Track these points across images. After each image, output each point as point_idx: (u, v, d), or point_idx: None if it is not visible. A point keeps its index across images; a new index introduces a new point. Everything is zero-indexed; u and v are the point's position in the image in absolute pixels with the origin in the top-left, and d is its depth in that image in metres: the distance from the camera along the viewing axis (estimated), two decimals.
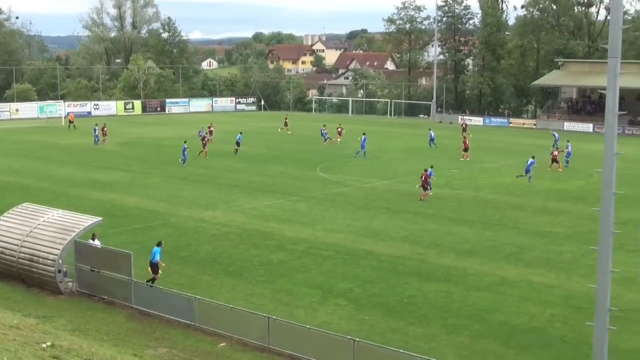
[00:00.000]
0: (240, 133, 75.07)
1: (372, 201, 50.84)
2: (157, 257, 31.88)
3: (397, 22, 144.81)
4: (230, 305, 28.40)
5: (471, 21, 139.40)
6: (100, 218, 34.31)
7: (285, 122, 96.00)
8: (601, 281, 15.30)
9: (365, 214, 47.24)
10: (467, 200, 52.01)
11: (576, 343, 26.27)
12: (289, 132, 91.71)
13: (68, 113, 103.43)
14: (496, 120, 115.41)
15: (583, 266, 35.31)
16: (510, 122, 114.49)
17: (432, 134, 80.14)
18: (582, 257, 36.76)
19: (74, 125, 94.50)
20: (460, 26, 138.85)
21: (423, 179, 51.14)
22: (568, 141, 70.06)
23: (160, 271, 32.02)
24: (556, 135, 79.80)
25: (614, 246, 16.77)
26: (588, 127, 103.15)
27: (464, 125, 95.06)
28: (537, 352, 26.02)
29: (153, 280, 31.50)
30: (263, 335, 26.41)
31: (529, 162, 58.56)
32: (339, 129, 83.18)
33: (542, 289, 32.92)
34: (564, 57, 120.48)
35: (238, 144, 73.05)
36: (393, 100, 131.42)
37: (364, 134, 72.44)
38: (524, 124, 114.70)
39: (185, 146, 66.33)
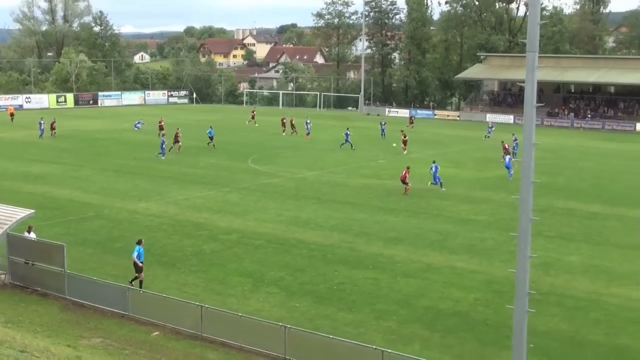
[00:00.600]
0: (211, 127, 73.81)
1: (302, 191, 50.89)
2: (135, 256, 30.36)
3: (326, 16, 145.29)
4: (164, 295, 28.15)
5: (397, 16, 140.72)
6: (32, 210, 33.59)
7: (253, 115, 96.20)
8: (521, 266, 15.56)
9: (296, 204, 47.26)
10: (394, 189, 52.36)
11: (498, 325, 26.71)
12: (256, 125, 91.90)
13: (7, 107, 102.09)
14: (422, 112, 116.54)
15: (504, 252, 35.90)
16: (435, 114, 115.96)
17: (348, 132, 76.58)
18: (503, 244, 37.36)
19: (11, 119, 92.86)
20: (386, 21, 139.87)
21: (403, 174, 51.24)
22: (514, 134, 69.68)
23: (142, 270, 30.39)
24: (491, 124, 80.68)
25: (533, 232, 17.09)
26: (509, 118, 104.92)
27: (412, 119, 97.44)
28: (461, 335, 26.38)
29: (136, 278, 30.26)
30: (196, 323, 26.24)
31: (433, 169, 53.25)
32: (286, 120, 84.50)
33: (466, 274, 33.36)
34: (486, 52, 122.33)
35: (211, 137, 71.77)
36: (322, 93, 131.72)
37: (347, 128, 74.15)
38: (448, 115, 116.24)
39: (163, 140, 67.07)
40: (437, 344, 25.58)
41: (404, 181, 50.37)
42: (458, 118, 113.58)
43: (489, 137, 78.74)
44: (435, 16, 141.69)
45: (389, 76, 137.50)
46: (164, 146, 64.91)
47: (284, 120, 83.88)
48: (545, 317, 27.49)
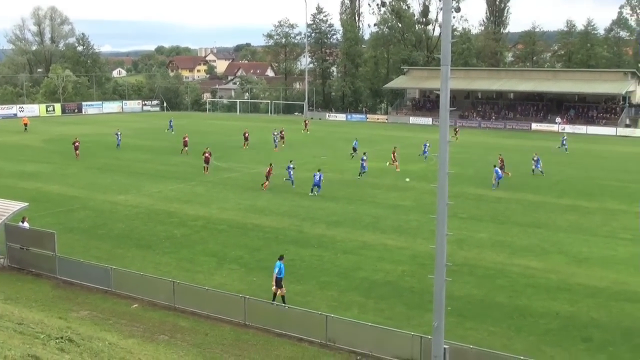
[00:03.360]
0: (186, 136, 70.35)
1: (257, 184, 50.55)
2: (276, 272, 25.77)
3: (275, 37, 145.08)
4: (141, 273, 27.84)
5: (334, 36, 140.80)
6: (26, 203, 32.92)
7: (305, 124, 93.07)
8: (439, 242, 15.67)
9: (252, 194, 47.00)
10: (334, 181, 52.40)
11: (421, 292, 26.93)
12: (308, 133, 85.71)
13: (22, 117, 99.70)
14: (356, 116, 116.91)
15: (426, 231, 36.21)
16: (367, 118, 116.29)
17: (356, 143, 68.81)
18: (425, 224, 37.67)
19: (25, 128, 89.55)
20: (325, 40, 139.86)
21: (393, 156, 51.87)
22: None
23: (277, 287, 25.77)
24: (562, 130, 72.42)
25: (449, 214, 17.24)
26: (428, 120, 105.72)
27: (456, 130, 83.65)
28: (391, 301, 26.54)
29: (275, 296, 25.64)
30: (169, 296, 25.99)
31: (362, 159, 54.35)
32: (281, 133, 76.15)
33: (395, 250, 33.58)
34: (409, 65, 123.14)
35: (185, 143, 67.63)
36: (273, 101, 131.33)
37: (356, 138, 67.11)
38: (378, 119, 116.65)
39: (118, 133, 68.88)
40: (372, 309, 25.70)
41: (267, 176, 49.45)
42: (386, 121, 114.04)
43: (565, 147, 69.86)
44: (366, 36, 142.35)
45: (329, 86, 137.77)
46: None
47: (246, 135, 75.85)
48: (460, 284, 27.80)
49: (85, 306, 26.14)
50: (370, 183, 51.40)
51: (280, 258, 26.38)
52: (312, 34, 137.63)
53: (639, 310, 25.65)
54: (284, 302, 25.24)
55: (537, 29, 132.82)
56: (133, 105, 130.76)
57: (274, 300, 25.40)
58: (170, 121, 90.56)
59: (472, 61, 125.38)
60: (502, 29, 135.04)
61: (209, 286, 26.55)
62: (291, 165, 50.43)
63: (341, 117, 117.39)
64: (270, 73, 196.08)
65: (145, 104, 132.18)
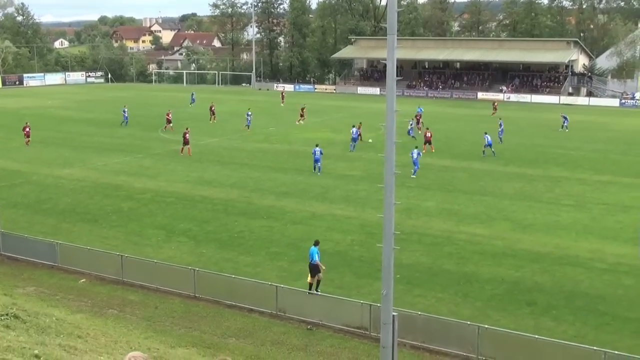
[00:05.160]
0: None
1: (205, 156, 50.24)
2: (316, 258, 23.86)
3: (221, 6, 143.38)
4: (88, 247, 27.46)
5: (282, 6, 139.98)
6: None
7: (282, 96, 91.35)
8: (387, 211, 15.77)
9: (200, 166, 46.63)
10: (283, 152, 52.34)
11: (371, 261, 27.17)
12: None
13: None
14: (304, 87, 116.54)
15: (374, 200, 36.46)
16: (316, 88, 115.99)
17: (421, 110, 68.24)
18: (373, 194, 37.91)
19: None
20: (273, 10, 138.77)
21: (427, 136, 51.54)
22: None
23: (321, 273, 24.13)
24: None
25: (397, 184, 17.38)
26: (376, 90, 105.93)
27: (495, 105, 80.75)
28: (341, 270, 26.72)
29: (317, 283, 24.07)
30: (117, 270, 25.73)
31: (354, 132, 53.28)
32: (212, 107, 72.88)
33: (344, 220, 33.76)
34: (356, 35, 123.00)
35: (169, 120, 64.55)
36: (220, 72, 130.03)
37: (353, 126, 55.99)
38: (326, 89, 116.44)
39: (126, 109, 66.47)
40: (322, 278, 25.81)
41: (186, 142, 49.83)
42: (334, 91, 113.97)
43: (565, 126, 65.83)
44: (313, 5, 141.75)
45: (276, 57, 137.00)
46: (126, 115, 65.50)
47: (213, 108, 72.96)
48: (408, 252, 28.14)
49: (31, 282, 25.71)
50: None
51: (316, 244, 24.34)
52: (259, 4, 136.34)
53: (581, 274, 26.35)
54: (317, 288, 23.81)
55: None
56: (76, 77, 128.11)
57: (311, 289, 23.77)
58: (193, 94, 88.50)
59: (419, 31, 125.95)
60: None
61: (157, 259, 26.35)
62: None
63: (289, 87, 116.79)
64: (217, 44, 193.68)
65: (89, 76, 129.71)
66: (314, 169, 44.29)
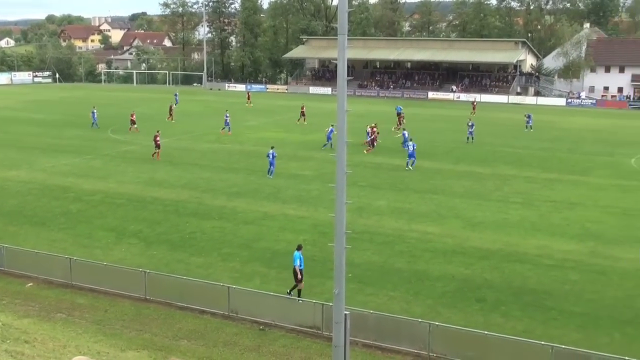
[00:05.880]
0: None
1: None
2: (298, 263, 23.51)
3: (172, 6, 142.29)
4: (35, 250, 26.91)
5: (233, 5, 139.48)
6: None
7: (248, 96, 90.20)
8: (338, 211, 15.81)
9: (151, 167, 46.12)
10: (234, 152, 52.12)
11: (323, 261, 27.18)
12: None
13: None
14: (256, 87, 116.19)
15: (326, 200, 36.55)
16: (267, 88, 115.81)
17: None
18: (325, 193, 38.01)
19: None
20: (224, 9, 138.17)
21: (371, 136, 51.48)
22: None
23: (302, 279, 23.59)
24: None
25: (349, 183, 17.44)
26: (328, 90, 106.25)
27: (474, 105, 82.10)
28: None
29: (295, 288, 23.65)
30: (66, 273, 25.26)
31: (329, 131, 52.79)
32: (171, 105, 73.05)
33: (296, 219, 33.76)
34: (308, 35, 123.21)
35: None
36: (171, 72, 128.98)
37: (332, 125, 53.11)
38: (278, 89, 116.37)
39: (95, 110, 65.04)
40: (274, 278, 25.80)
41: (157, 145, 48.81)
42: (286, 91, 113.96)
43: (530, 125, 66.64)
44: (265, 5, 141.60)
45: (228, 56, 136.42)
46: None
47: (172, 107, 72.78)
48: (360, 251, 28.28)
49: None
50: None
51: (299, 248, 24.03)
52: (210, 3, 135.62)
53: (529, 271, 26.81)
54: (290, 291, 23.52)
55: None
56: (23, 76, 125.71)
57: (299, 295, 23.28)
58: (176, 94, 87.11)
59: (370, 31, 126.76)
60: None
61: (107, 262, 25.97)
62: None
63: (241, 87, 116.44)
64: (167, 43, 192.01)
65: (36, 76, 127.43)
66: (270, 173, 43.49)
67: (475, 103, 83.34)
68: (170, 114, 70.49)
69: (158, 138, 49.41)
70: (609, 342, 20.63)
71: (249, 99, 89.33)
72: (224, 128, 61.71)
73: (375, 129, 54.31)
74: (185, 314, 22.84)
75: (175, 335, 21.33)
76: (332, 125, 51.59)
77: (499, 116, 79.29)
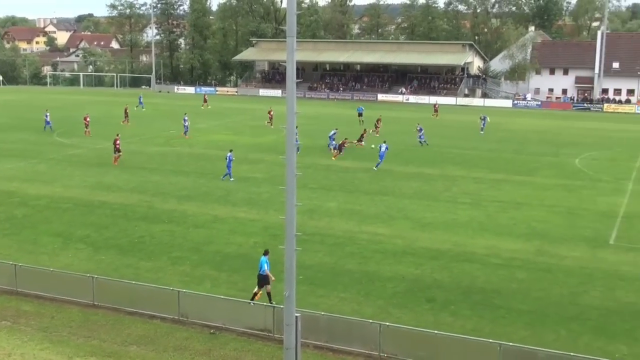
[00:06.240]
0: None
1: (104, 160, 48.96)
2: (265, 268, 23.15)
3: (119, 7, 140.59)
4: None
5: (182, 7, 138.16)
6: None
7: (205, 99, 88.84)
8: (289, 213, 15.83)
9: (99, 171, 45.43)
10: (184, 155, 51.70)
11: (274, 263, 26.86)
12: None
13: None
14: (206, 89, 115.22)
15: (277, 202, 36.46)
16: (217, 90, 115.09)
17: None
18: (276, 196, 37.92)
19: None
20: (172, 11, 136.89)
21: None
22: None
23: (270, 285, 23.23)
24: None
25: (299, 185, 17.47)
26: (278, 92, 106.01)
27: (436, 107, 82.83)
28: (244, 272, 26.56)
29: (269, 295, 23.17)
30: (11, 280, 24.67)
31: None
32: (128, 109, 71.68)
33: (247, 222, 33.63)
34: (257, 37, 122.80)
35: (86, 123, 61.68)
36: (119, 74, 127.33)
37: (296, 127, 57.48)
38: (228, 91, 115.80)
39: (48, 113, 63.67)
40: (225, 282, 25.67)
41: (117, 149, 47.92)
42: (236, 93, 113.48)
43: (483, 128, 67.14)
44: (214, 7, 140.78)
45: (177, 59, 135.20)
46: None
47: (127, 110, 71.32)
48: (311, 253, 28.31)
49: None
50: (220, 156, 50.88)
51: (266, 253, 23.67)
52: (158, 5, 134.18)
53: (477, 270, 27.20)
54: (270, 300, 22.90)
55: (382, 2, 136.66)
56: None
57: (253, 299, 22.99)
58: (140, 97, 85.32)
59: (319, 33, 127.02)
60: (348, 2, 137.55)
61: (54, 267, 25.47)
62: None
63: (190, 90, 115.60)
64: (115, 45, 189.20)
65: None
66: (229, 175, 43.22)
67: (437, 105, 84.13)
68: (126, 117, 69.50)
69: (118, 142, 48.53)
70: (556, 339, 21.05)
71: (205, 101, 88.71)
72: (186, 132, 60.56)
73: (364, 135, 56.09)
74: (134, 319, 22.55)
75: (124, 341, 21.04)
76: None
77: (447, 118, 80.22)
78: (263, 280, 23.27)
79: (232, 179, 42.79)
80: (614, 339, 21.16)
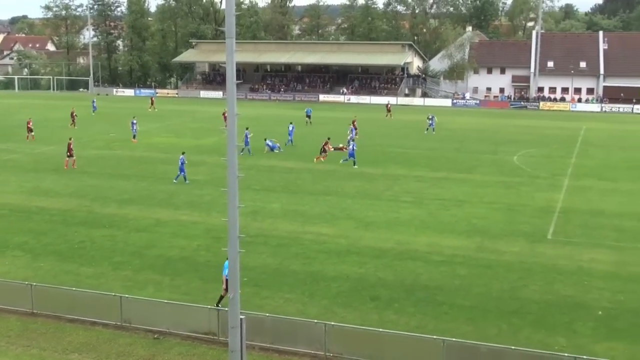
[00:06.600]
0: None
1: (41, 164, 47.95)
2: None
3: (54, 9, 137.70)
4: None
5: (119, 9, 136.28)
6: None
7: (152, 101, 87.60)
8: (231, 215, 15.74)
9: (36, 176, 44.42)
10: (124, 158, 50.94)
11: (218, 265, 26.78)
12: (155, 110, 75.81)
13: None
14: (145, 91, 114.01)
15: (220, 204, 36.20)
16: (157, 93, 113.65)
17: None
18: (218, 198, 37.62)
19: None
20: (109, 13, 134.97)
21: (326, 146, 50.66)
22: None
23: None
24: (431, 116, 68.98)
25: (243, 187, 17.41)
26: (219, 94, 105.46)
27: (388, 107, 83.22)
28: (188, 275, 26.35)
29: (221, 298, 22.66)
30: None
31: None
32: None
33: (189, 225, 33.32)
34: (197, 39, 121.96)
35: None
36: (55, 77, 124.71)
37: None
38: (168, 93, 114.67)
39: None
40: (168, 286, 25.38)
41: (70, 153, 47.05)
42: (177, 95, 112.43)
43: (433, 128, 67.22)
44: (152, 9, 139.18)
45: (115, 61, 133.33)
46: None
47: (74, 114, 69.26)
48: (255, 254, 28.22)
49: None
50: (161, 159, 50.51)
51: None
52: (95, 6, 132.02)
53: (420, 267, 27.50)
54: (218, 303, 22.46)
55: (322, 3, 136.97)
56: None
57: (218, 303, 22.37)
58: (94, 101, 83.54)
59: (260, 34, 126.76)
60: (288, 3, 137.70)
61: None
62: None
63: (129, 92, 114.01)
64: (51, 47, 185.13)
65: None
66: (184, 179, 42.62)
67: (389, 105, 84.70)
68: (73, 121, 68.04)
69: (71, 146, 47.52)
70: (497, 333, 21.44)
71: (152, 103, 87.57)
72: (135, 135, 59.44)
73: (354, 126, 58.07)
74: (75, 327, 22.11)
75: (65, 349, 20.62)
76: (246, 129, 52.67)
77: (389, 118, 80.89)
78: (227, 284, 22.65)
79: (187, 182, 42.34)
80: (553, 331, 21.67)
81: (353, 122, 60.55)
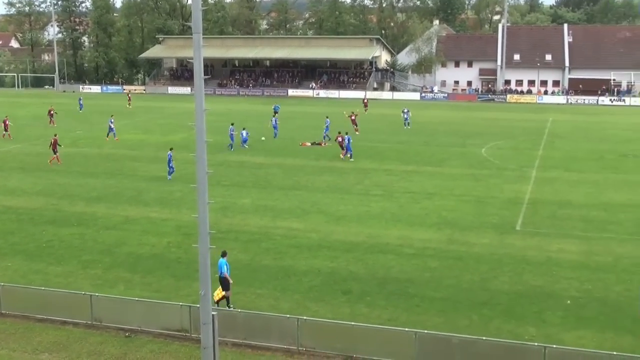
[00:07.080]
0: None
1: (7, 163, 47.30)
2: (225, 270, 22.35)
3: (17, 5, 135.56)
4: None
5: (84, 4, 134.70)
6: None
7: (129, 98, 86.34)
8: (201, 211, 15.67)
9: (1, 175, 43.79)
10: (92, 156, 50.43)
11: (188, 262, 26.81)
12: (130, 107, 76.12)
13: None
14: (112, 88, 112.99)
15: (190, 201, 36.01)
16: (124, 89, 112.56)
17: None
18: (188, 194, 37.44)
19: None
20: (74, 8, 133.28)
21: (340, 141, 49.90)
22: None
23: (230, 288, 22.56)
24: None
25: (212, 183, 17.37)
26: (187, 90, 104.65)
27: (365, 102, 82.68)
28: (159, 273, 26.17)
29: (227, 299, 22.48)
30: None
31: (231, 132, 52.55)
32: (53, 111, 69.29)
33: (159, 222, 33.11)
34: (164, 34, 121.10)
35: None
36: (20, 74, 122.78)
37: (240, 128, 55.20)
38: (135, 90, 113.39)
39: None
40: (139, 283, 25.20)
41: (54, 150, 46.94)
42: (144, 91, 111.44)
43: (408, 122, 67.29)
44: (118, 4, 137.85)
45: (81, 57, 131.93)
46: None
47: (52, 112, 68.31)
48: (226, 250, 28.04)
49: None
50: (130, 156, 50.09)
51: (224, 254, 22.72)
52: (59, 2, 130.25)
53: (392, 260, 27.64)
54: (228, 304, 22.40)
55: None
56: None
57: (218, 303, 21.94)
58: (80, 99, 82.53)
59: (227, 29, 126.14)
60: None
61: None
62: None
63: (96, 89, 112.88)
64: (15, 44, 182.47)
65: None
66: (168, 174, 42.48)
67: (366, 100, 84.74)
68: (51, 119, 67.03)
69: (57, 142, 47.15)
70: (468, 324, 21.62)
71: (129, 100, 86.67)
72: (109, 134, 58.15)
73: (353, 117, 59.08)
74: (45, 326, 21.86)
75: (35, 349, 20.39)
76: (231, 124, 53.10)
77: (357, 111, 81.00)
78: (225, 283, 22.47)
79: (169, 178, 42.23)
80: (523, 321, 21.91)
81: (351, 118, 60.78)
